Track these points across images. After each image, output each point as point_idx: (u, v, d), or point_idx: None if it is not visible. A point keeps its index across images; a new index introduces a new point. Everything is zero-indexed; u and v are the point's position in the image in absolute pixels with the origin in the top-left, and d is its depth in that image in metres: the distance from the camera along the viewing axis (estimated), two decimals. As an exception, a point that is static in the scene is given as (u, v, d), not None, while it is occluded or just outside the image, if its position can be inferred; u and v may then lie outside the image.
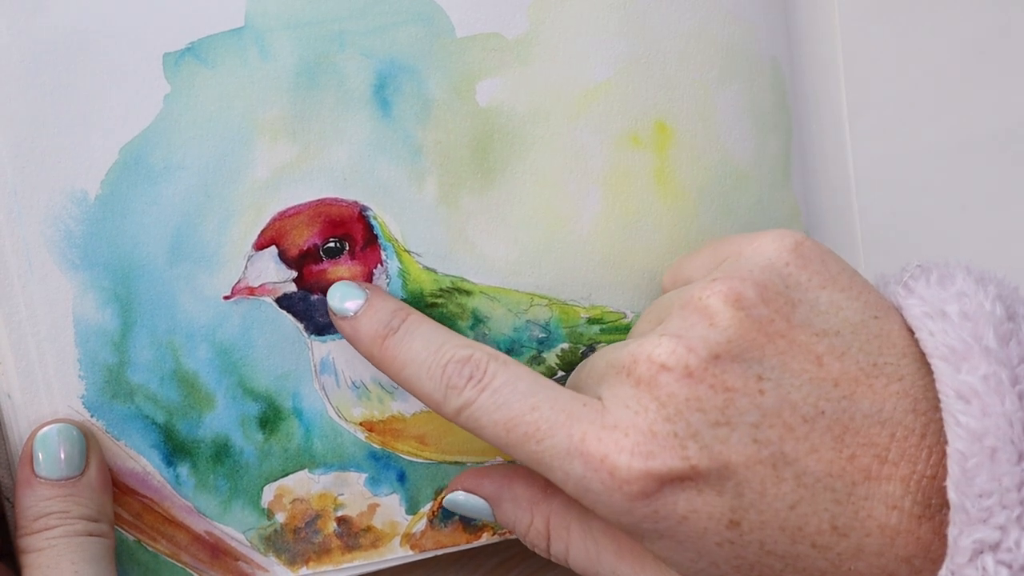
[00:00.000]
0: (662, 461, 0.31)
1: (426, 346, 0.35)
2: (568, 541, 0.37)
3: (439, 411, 0.35)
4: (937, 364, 0.31)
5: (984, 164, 0.44)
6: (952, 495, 0.30)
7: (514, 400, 0.33)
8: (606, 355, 0.34)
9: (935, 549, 0.30)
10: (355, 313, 0.36)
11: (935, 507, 0.30)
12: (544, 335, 0.39)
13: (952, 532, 0.29)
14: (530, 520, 0.37)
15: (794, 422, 0.31)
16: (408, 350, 0.35)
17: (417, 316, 0.36)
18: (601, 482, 0.32)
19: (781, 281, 0.33)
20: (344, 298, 0.37)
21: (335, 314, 0.37)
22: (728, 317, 0.32)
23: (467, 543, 0.40)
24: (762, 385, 0.31)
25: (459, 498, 0.39)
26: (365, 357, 0.36)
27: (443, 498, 0.39)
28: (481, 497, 0.39)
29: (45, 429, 0.37)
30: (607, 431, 0.32)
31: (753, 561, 0.32)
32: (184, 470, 0.38)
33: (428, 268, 0.38)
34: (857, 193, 0.43)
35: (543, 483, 0.38)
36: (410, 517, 0.40)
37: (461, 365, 0.34)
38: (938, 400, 0.31)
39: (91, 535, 0.36)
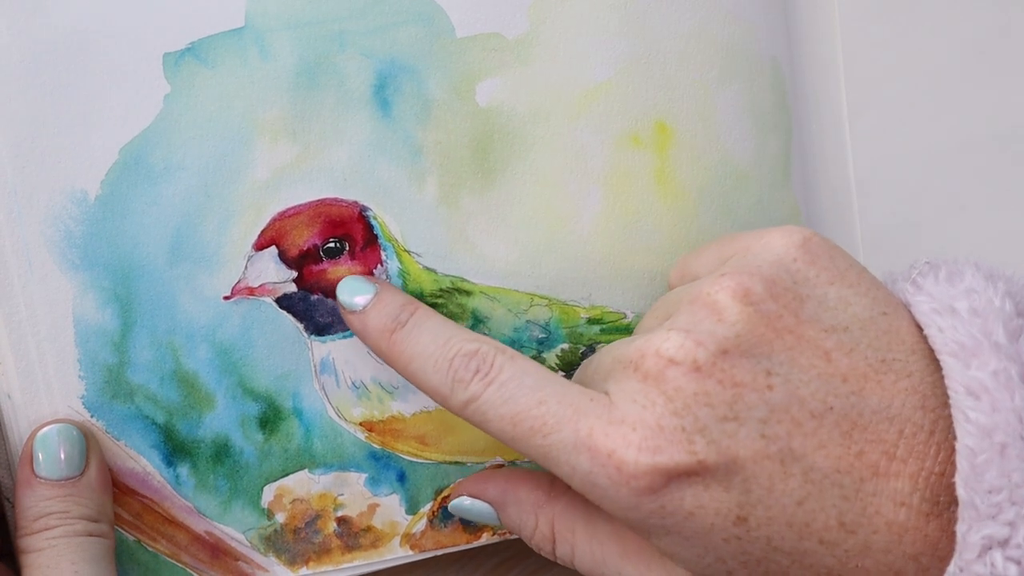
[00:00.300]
0: (669, 456, 0.31)
1: (433, 340, 0.35)
2: (573, 543, 0.37)
3: (446, 405, 0.35)
4: (946, 360, 0.31)
5: (984, 164, 0.44)
6: (961, 491, 0.29)
7: (521, 394, 0.33)
8: (613, 351, 0.34)
9: (943, 547, 0.30)
10: (364, 307, 0.36)
11: (943, 504, 0.30)
12: (544, 335, 0.39)
13: (961, 528, 0.29)
14: (535, 523, 0.37)
15: (802, 418, 0.31)
16: (415, 344, 0.35)
17: (425, 310, 0.36)
18: (608, 477, 0.32)
19: (789, 277, 0.33)
20: (354, 292, 0.37)
21: (344, 308, 0.37)
22: (736, 312, 0.32)
23: (467, 543, 0.40)
24: (770, 380, 0.31)
25: (465, 503, 0.39)
26: (373, 351, 0.36)
27: (448, 503, 0.39)
28: (486, 502, 0.39)
29: (45, 429, 0.37)
30: (614, 426, 0.32)
31: (760, 557, 0.32)
32: (184, 470, 0.38)
33: (428, 268, 0.38)
34: (857, 193, 0.43)
35: (546, 486, 0.38)
36: (410, 517, 0.40)
37: (468, 359, 0.34)
38: (947, 397, 0.31)
39: (91, 535, 0.36)
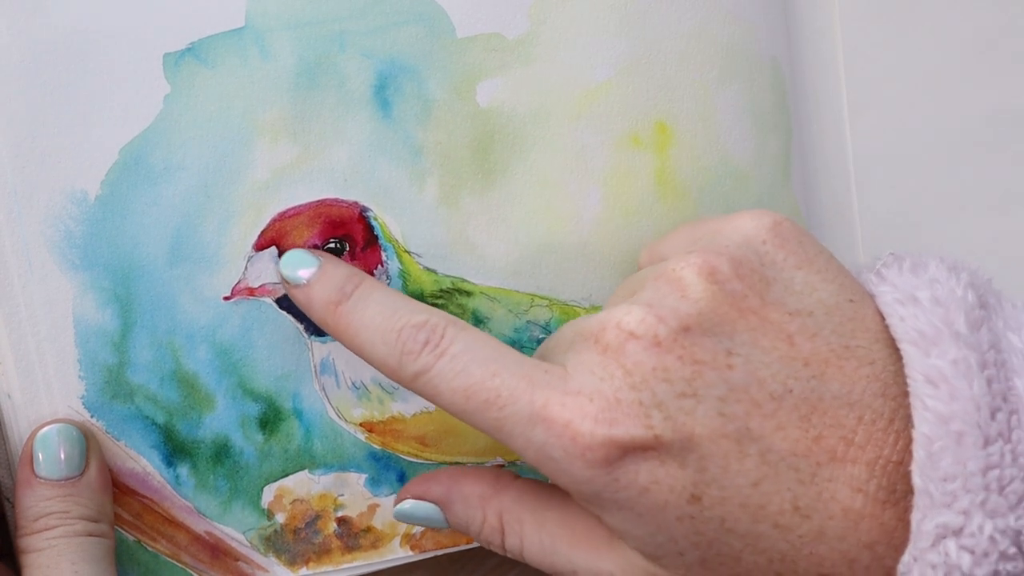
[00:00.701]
0: (625, 429, 0.31)
1: (380, 311, 0.34)
2: (522, 534, 0.36)
3: (395, 378, 0.34)
4: (906, 349, 0.31)
5: (984, 164, 0.44)
6: (916, 479, 0.29)
7: (474, 366, 0.32)
8: (575, 325, 0.34)
9: (898, 536, 0.30)
10: (308, 280, 0.35)
11: (900, 493, 0.30)
12: (544, 336, 0.39)
13: (915, 516, 0.29)
14: (483, 517, 0.36)
15: (761, 399, 0.31)
16: (362, 316, 0.34)
17: (371, 281, 0.35)
18: (563, 449, 0.31)
19: (757, 258, 0.33)
20: (297, 266, 0.36)
21: (288, 283, 0.36)
22: (701, 290, 0.32)
23: (467, 543, 0.40)
24: (731, 360, 0.31)
25: (406, 507, 0.38)
26: (319, 325, 0.36)
27: (393, 512, 0.38)
28: (430, 501, 0.37)
29: (45, 429, 0.37)
30: (570, 397, 0.31)
31: (712, 538, 0.31)
32: (184, 470, 0.38)
33: (428, 269, 0.38)
34: (857, 193, 0.43)
35: (492, 479, 0.37)
36: (410, 517, 0.40)
37: (416, 330, 0.33)
38: (908, 387, 0.31)
39: (91, 535, 0.36)
